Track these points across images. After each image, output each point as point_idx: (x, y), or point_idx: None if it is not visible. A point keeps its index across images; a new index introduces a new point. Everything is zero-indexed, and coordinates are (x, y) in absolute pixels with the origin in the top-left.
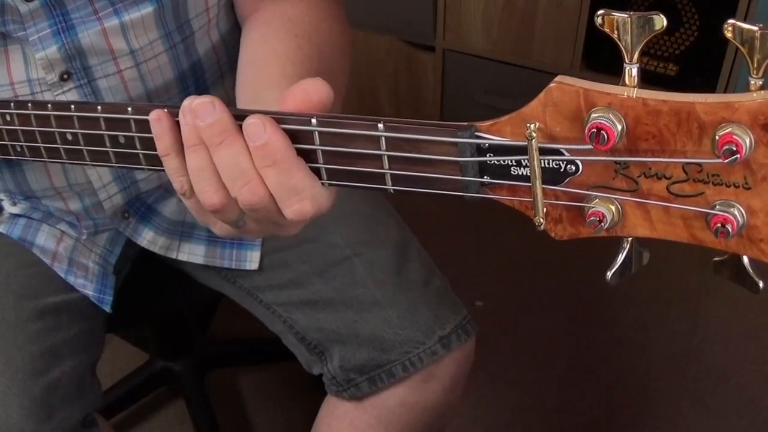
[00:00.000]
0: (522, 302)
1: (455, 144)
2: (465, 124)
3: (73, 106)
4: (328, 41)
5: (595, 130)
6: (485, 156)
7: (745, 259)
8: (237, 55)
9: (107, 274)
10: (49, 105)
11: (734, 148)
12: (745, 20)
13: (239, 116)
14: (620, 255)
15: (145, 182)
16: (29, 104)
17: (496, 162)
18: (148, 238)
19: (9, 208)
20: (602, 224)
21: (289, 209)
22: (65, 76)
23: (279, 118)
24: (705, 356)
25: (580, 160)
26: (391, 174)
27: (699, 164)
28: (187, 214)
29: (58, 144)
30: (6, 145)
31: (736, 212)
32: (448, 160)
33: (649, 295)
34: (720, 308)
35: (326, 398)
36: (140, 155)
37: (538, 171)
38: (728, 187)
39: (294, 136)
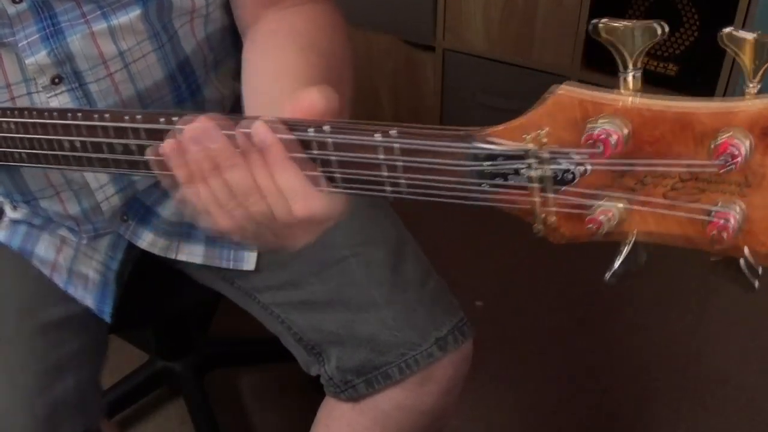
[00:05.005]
0: (522, 302)
1: (463, 150)
2: (473, 129)
3: (69, 114)
4: (333, 52)
5: (603, 136)
6: (491, 161)
7: (742, 262)
8: (224, 54)
9: (107, 283)
10: (55, 113)
11: (734, 153)
12: (744, 22)
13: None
14: (619, 257)
15: (142, 182)
16: (34, 112)
17: (500, 167)
18: (148, 241)
19: (10, 213)
20: (600, 231)
21: (295, 208)
22: (56, 80)
23: (291, 126)
24: (705, 356)
25: (583, 165)
26: (397, 180)
27: (699, 168)
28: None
29: (57, 151)
30: (7, 152)
31: (732, 215)
32: (454, 165)
33: (649, 295)
34: (720, 308)
35: (324, 400)
36: (140, 162)
37: (542, 177)
38: (725, 191)
39: (307, 144)
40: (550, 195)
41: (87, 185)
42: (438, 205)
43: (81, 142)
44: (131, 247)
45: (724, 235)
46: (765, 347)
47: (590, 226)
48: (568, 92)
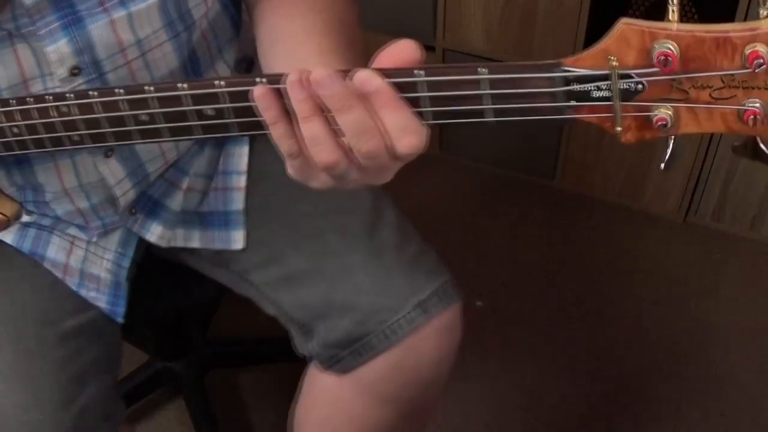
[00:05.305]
0: (522, 302)
1: (549, 78)
2: (554, 61)
3: (146, 87)
4: (346, 13)
5: (663, 57)
6: (572, 85)
7: (761, 144)
8: (225, 41)
9: (119, 283)
10: (122, 90)
11: (761, 61)
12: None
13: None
14: (668, 150)
15: (155, 173)
16: (96, 92)
17: (580, 89)
18: (157, 233)
19: (23, 215)
20: (667, 126)
21: (402, 145)
22: (75, 71)
23: (387, 73)
24: (705, 356)
25: (646, 80)
26: (492, 109)
27: (733, 75)
28: (187, 204)
29: (130, 126)
30: (61, 137)
31: (759, 106)
32: (542, 91)
33: (649, 295)
34: (720, 308)
35: (307, 371)
36: (232, 124)
37: (617, 92)
38: (753, 89)
39: (408, 86)
40: (624, 104)
41: (100, 183)
42: (437, 205)
43: (156, 114)
44: (139, 244)
45: (759, 117)
46: (765, 347)
47: (659, 124)
48: (629, 25)
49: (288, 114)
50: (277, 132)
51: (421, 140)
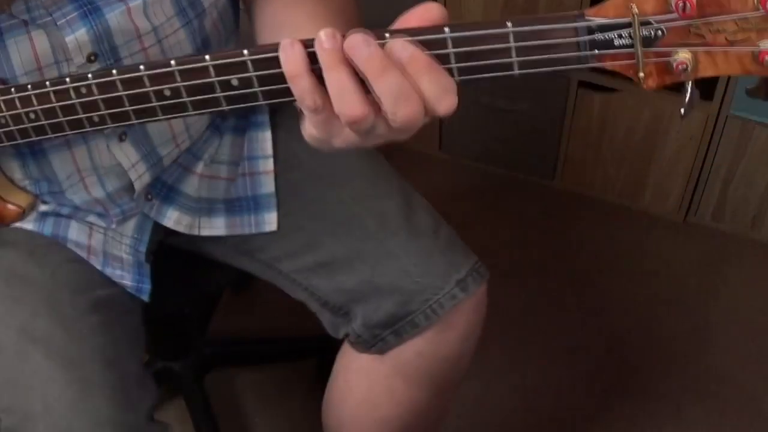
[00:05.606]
0: (522, 302)
1: (574, 28)
2: (576, 12)
3: (173, 62)
4: (346, 3)
5: (681, 3)
6: (595, 34)
7: None
8: (229, 32)
9: (141, 263)
10: (142, 66)
11: None
12: None
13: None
14: (686, 97)
15: (168, 157)
16: (114, 71)
17: (603, 37)
18: (173, 219)
19: (38, 206)
20: (687, 70)
21: (441, 107)
22: (92, 58)
23: (417, 33)
24: (705, 356)
25: (665, 26)
26: (518, 62)
27: (746, 18)
28: (205, 190)
29: (153, 102)
30: (81, 118)
31: None
32: (569, 39)
33: (649, 295)
34: (720, 308)
35: (340, 353)
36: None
37: (639, 38)
38: (767, 31)
39: (436, 45)
40: (645, 50)
41: (115, 167)
42: (437, 205)
43: (180, 88)
44: (156, 230)
45: None
46: (765, 347)
47: (680, 68)
48: None
49: (312, 71)
50: (300, 87)
51: (456, 98)
